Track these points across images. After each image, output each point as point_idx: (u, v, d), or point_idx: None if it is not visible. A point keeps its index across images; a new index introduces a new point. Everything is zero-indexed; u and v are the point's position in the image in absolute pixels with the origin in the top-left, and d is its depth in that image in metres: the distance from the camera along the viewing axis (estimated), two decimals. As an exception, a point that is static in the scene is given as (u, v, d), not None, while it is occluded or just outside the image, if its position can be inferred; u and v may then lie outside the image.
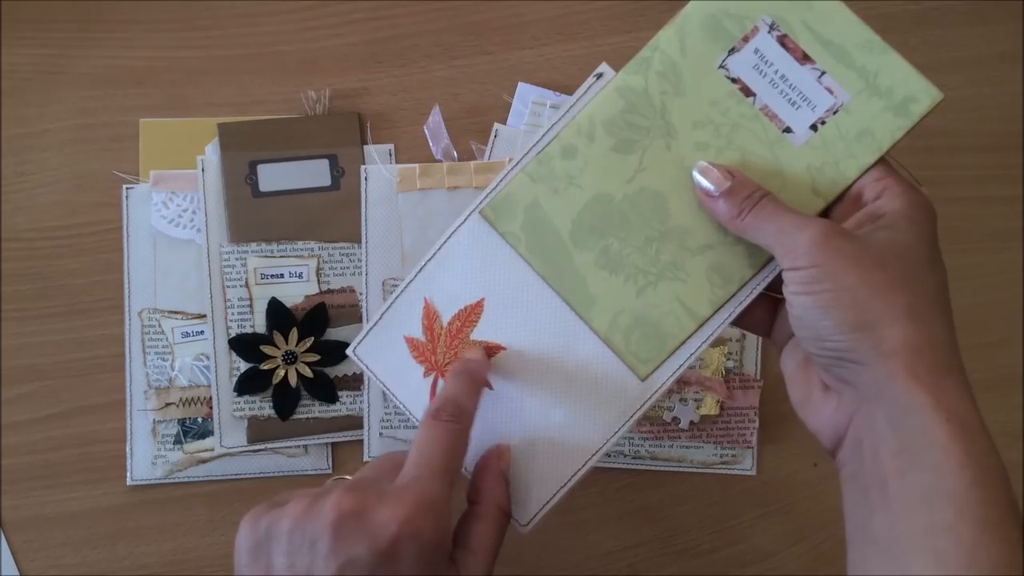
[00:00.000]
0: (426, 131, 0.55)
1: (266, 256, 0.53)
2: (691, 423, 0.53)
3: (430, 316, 0.41)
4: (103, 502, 0.53)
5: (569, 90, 0.54)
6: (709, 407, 0.53)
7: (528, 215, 0.39)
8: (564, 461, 0.39)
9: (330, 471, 0.54)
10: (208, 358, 0.53)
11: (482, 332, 0.40)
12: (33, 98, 0.55)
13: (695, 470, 0.54)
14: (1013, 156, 0.57)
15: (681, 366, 0.39)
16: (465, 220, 0.40)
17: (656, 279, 0.38)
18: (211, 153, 0.54)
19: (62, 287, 0.54)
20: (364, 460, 0.54)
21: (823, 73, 0.36)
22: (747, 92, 0.37)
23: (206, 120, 0.54)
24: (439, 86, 0.56)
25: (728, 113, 0.37)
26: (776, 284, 0.37)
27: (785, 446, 0.55)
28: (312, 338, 0.53)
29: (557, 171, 0.39)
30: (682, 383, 0.53)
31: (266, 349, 0.53)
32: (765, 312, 0.39)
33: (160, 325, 0.54)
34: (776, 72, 0.37)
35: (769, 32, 0.37)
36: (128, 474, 0.53)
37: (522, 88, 0.55)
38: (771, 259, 0.37)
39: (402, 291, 0.41)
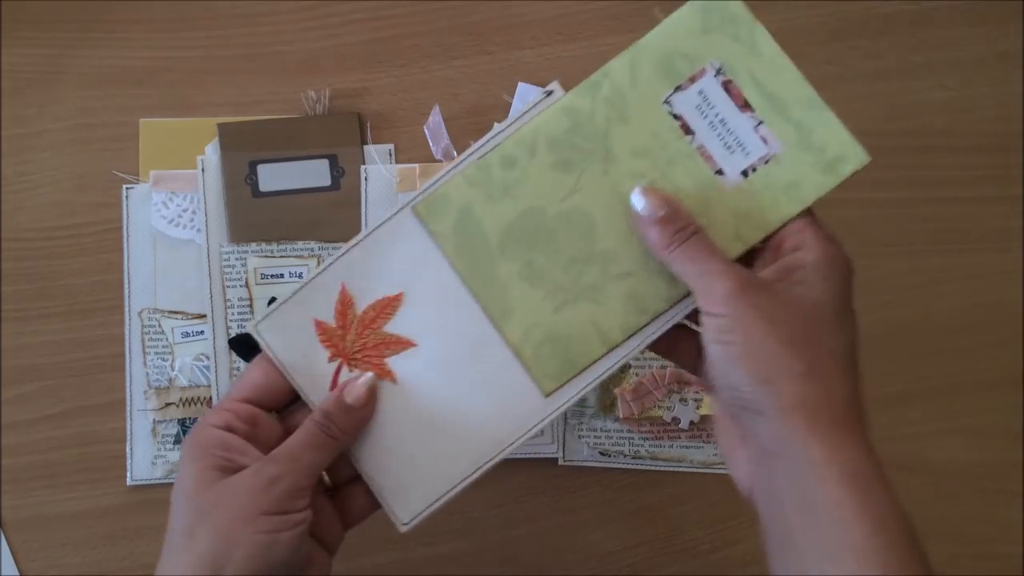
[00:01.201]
0: (426, 131, 0.55)
1: (266, 256, 0.53)
2: (691, 423, 0.53)
3: (345, 302, 0.41)
4: (103, 502, 0.53)
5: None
6: (709, 407, 0.53)
7: (460, 217, 0.39)
8: (455, 464, 0.39)
9: (330, 471, 0.54)
10: (208, 358, 0.53)
11: (396, 326, 0.40)
12: (33, 98, 0.55)
13: (695, 470, 0.54)
14: (1013, 156, 0.57)
15: (585, 387, 0.39)
16: (396, 213, 0.40)
17: (575, 299, 0.39)
18: (211, 153, 0.54)
19: (62, 287, 0.54)
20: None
21: (760, 123, 0.37)
22: (687, 130, 0.38)
23: (206, 120, 0.54)
24: (439, 86, 0.56)
25: (667, 147, 0.38)
26: (697, 317, 0.37)
27: (785, 446, 0.55)
28: (312, 338, 0.53)
29: (495, 179, 0.39)
30: (682, 383, 0.53)
31: (266, 349, 0.53)
32: (695, 351, 0.39)
33: (160, 325, 0.54)
34: (717, 115, 0.38)
35: (715, 76, 0.38)
36: (128, 474, 0.53)
37: (522, 88, 0.55)
38: (687, 295, 0.38)
39: (319, 273, 0.41)
